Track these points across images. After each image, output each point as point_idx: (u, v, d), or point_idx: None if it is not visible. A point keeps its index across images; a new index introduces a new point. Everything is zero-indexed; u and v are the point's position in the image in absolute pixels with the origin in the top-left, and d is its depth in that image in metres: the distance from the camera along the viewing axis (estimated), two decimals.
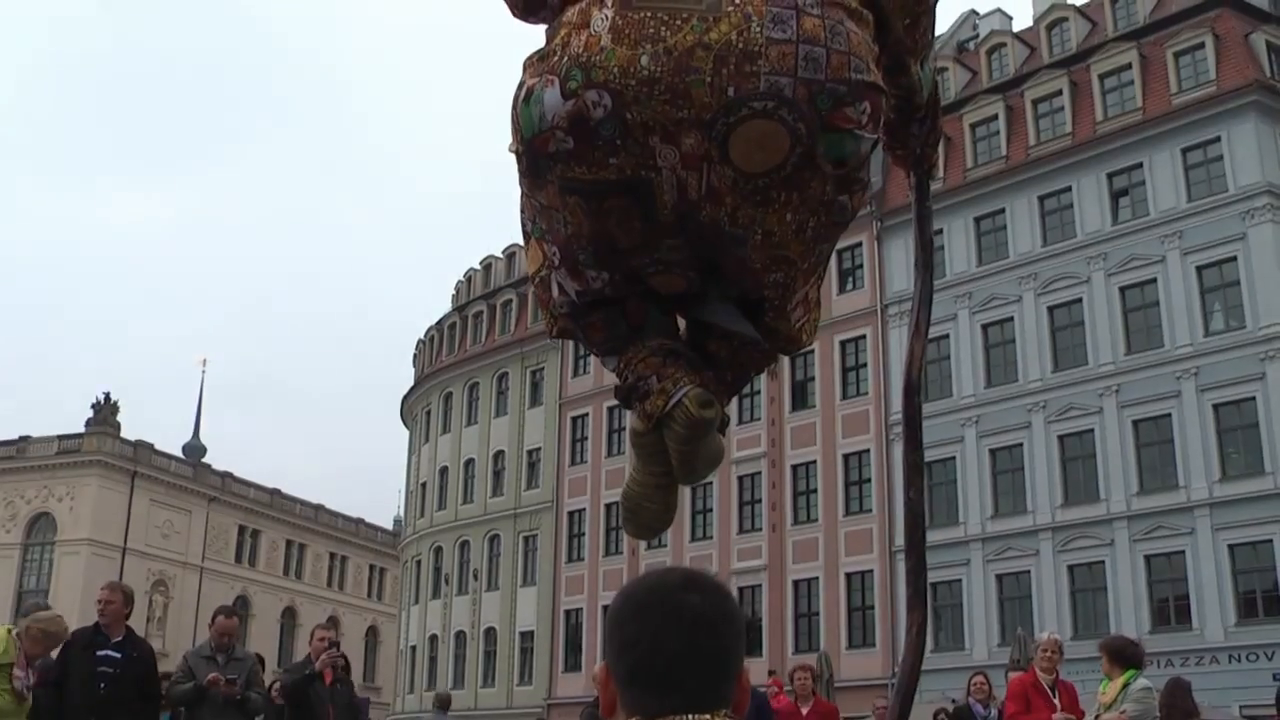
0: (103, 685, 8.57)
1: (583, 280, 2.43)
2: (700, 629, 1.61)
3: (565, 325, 2.60)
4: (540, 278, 2.60)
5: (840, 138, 2.21)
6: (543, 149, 2.23)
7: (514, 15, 2.53)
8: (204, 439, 75.59)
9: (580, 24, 2.21)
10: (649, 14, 2.16)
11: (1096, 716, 8.47)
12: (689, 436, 2.38)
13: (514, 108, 2.27)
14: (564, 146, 2.20)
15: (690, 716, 1.57)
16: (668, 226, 2.26)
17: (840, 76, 2.17)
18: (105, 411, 64.25)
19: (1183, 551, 34.42)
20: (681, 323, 2.57)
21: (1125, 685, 8.63)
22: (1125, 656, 8.95)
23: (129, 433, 65.09)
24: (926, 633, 3.21)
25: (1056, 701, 9.32)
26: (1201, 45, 36.86)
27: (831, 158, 2.23)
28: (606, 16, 2.18)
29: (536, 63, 2.26)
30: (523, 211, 2.49)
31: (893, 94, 2.66)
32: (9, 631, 8.40)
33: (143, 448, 64.49)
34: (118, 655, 8.72)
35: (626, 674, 1.60)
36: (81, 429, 63.91)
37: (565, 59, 2.19)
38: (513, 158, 2.25)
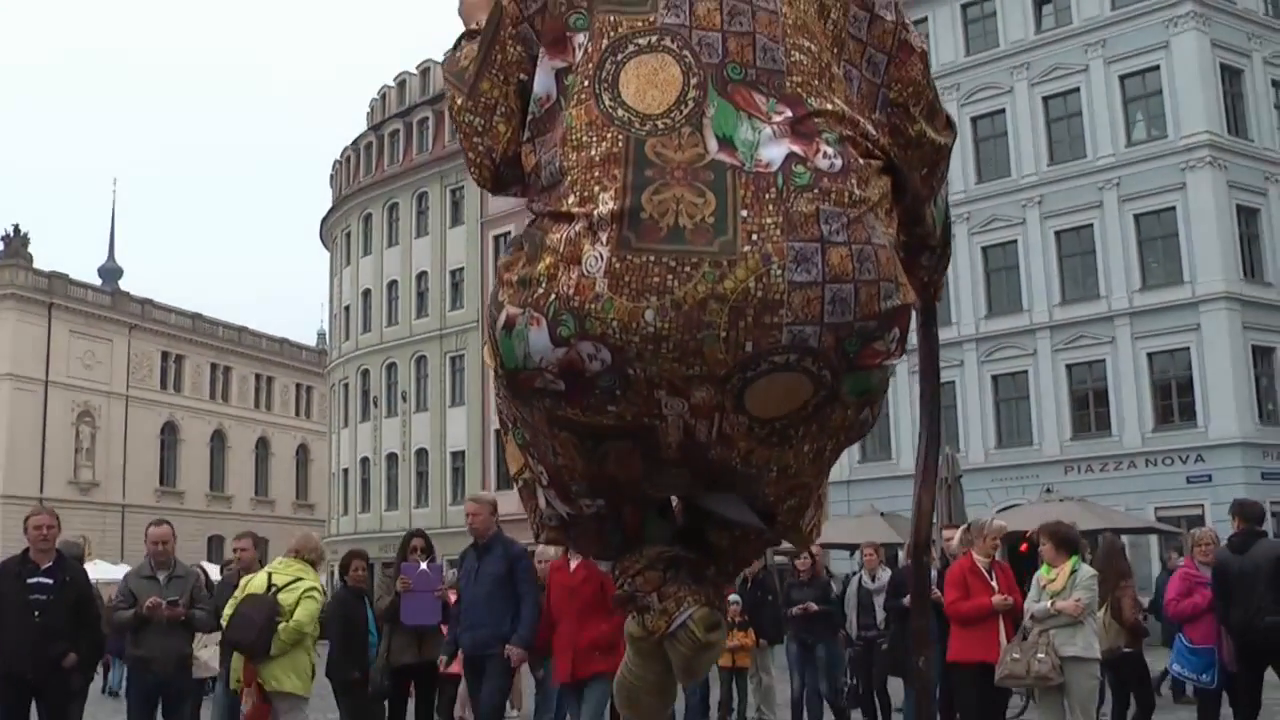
0: (37, 614, 8.40)
1: (575, 506, 2.23)
2: None
3: (554, 536, 2.41)
4: (524, 480, 2.39)
5: (867, 374, 1.99)
6: (528, 384, 2.00)
7: (482, 186, 2.27)
8: (120, 261, 74.19)
9: (570, 258, 1.92)
10: (652, 259, 1.88)
11: (1051, 602, 8.58)
12: (693, 656, 2.24)
13: (491, 330, 2.03)
14: (554, 388, 1.97)
15: None
16: (672, 462, 2.05)
17: (870, 312, 1.94)
18: (15, 244, 62.59)
19: (1103, 360, 35.06)
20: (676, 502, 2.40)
21: (1073, 572, 8.72)
22: (1070, 542, 9.05)
23: (43, 262, 63.66)
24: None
25: (994, 584, 9.42)
26: None
27: (856, 392, 2.01)
28: (601, 256, 1.89)
29: (516, 288, 1.97)
30: (500, 405, 2.27)
31: (907, 241, 2.44)
32: None
33: (57, 279, 63.08)
34: (49, 581, 8.52)
35: None
36: None
37: (554, 298, 1.92)
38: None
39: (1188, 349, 33.74)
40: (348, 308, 58.22)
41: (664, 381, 1.91)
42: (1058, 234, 36.12)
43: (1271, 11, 37.00)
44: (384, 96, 59.04)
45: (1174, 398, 34.22)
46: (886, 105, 2.25)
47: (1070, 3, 36.67)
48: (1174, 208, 34.25)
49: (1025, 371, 36.33)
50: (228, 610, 8.80)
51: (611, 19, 2.04)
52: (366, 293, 56.65)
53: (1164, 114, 34.81)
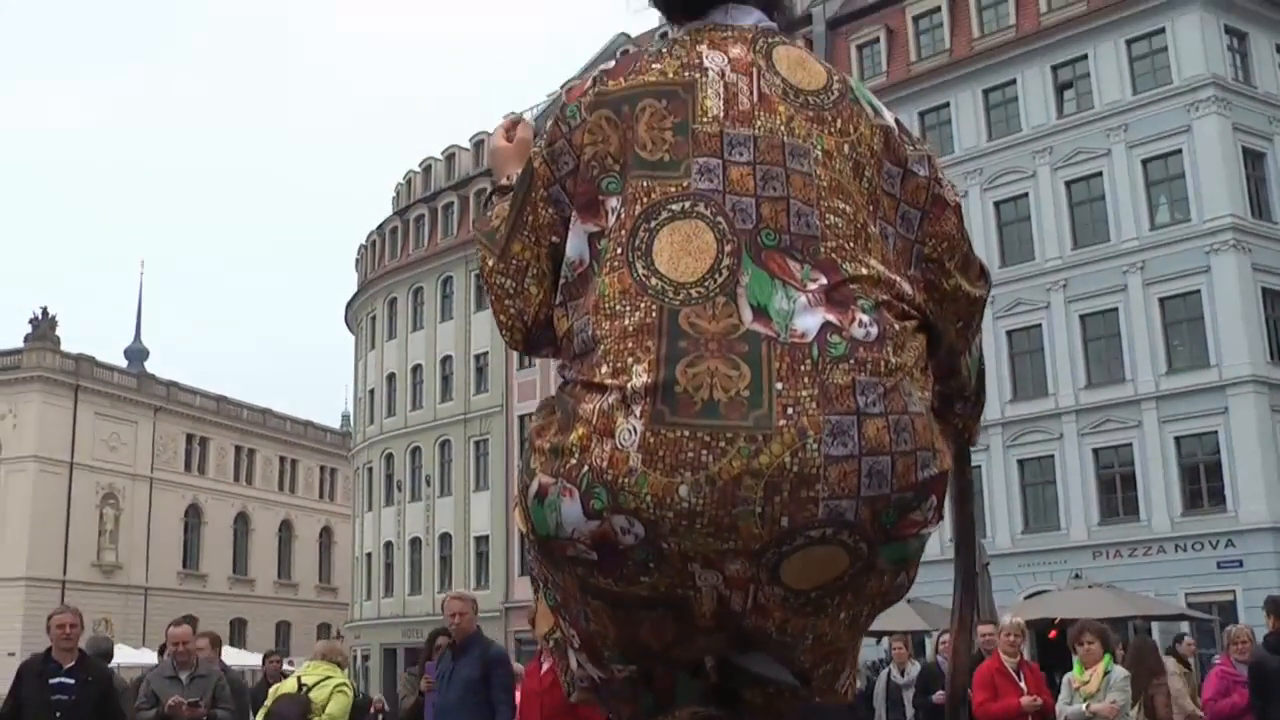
0: (59, 715, 8.35)
1: (608, 671, 2.19)
2: None
3: (585, 697, 2.36)
4: (554, 641, 2.35)
5: (904, 544, 1.95)
6: (560, 552, 1.96)
7: (513, 349, 2.25)
8: (146, 342, 74.80)
9: (603, 429, 1.87)
10: (687, 433, 1.83)
11: (1086, 704, 8.45)
12: None
13: (523, 497, 1.99)
14: (586, 557, 1.93)
15: None
16: (706, 629, 2.00)
17: (908, 483, 1.89)
18: (44, 326, 63.25)
19: (1130, 444, 34.85)
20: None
21: (1106, 673, 8.60)
22: (1108, 642, 8.94)
23: (71, 342, 64.47)
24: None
25: (1023, 685, 9.29)
26: None
27: (893, 561, 1.97)
28: (635, 429, 1.84)
29: (549, 456, 1.93)
30: (531, 564, 2.23)
31: (941, 391, 2.40)
32: None
33: (84, 361, 63.61)
34: (71, 682, 8.49)
35: None
36: (20, 345, 62.89)
37: (587, 470, 1.87)
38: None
39: (1215, 432, 33.52)
40: (372, 391, 58.39)
41: (698, 555, 1.87)
42: (1082, 318, 36.06)
43: None
44: (409, 181, 59.61)
45: (1203, 482, 33.94)
46: (921, 261, 2.21)
47: (1091, 87, 36.90)
48: (1199, 291, 34.19)
49: (1052, 456, 36.12)
50: (260, 715, 8.77)
51: (645, 184, 2.01)
52: (391, 376, 56.85)
53: (1187, 197, 34.85)
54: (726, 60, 2.08)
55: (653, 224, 1.99)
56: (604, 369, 1.92)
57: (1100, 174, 36.28)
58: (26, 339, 63.00)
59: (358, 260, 62.94)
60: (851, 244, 2.02)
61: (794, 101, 2.06)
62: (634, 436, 1.84)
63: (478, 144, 57.36)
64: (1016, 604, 30.60)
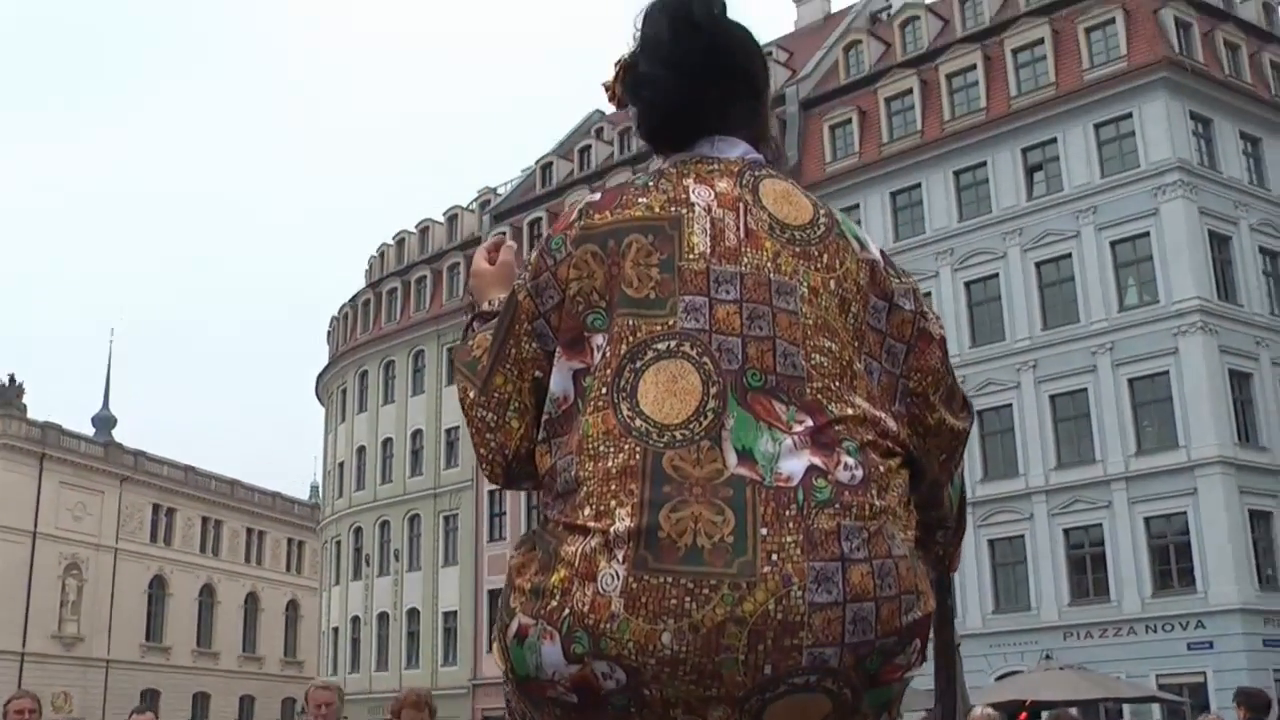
0: None
1: None
2: None
3: None
4: None
5: (888, 689, 1.93)
6: (539, 693, 1.93)
7: (493, 482, 2.22)
8: (114, 410, 74.20)
9: (585, 574, 1.84)
10: (670, 580, 1.81)
11: None
12: None
13: (502, 636, 1.97)
14: (566, 699, 1.90)
15: None
16: None
17: (891, 629, 1.87)
18: (10, 393, 62.74)
19: (1100, 524, 34.91)
20: None
21: None
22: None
23: (37, 412, 63.70)
24: None
25: None
26: (1112, 20, 37.05)
27: (876, 704, 1.95)
28: (617, 575, 1.82)
29: (529, 597, 1.90)
30: (508, 698, 2.20)
31: (923, 521, 2.39)
32: None
33: (50, 429, 63.06)
34: None
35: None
36: None
37: (568, 614, 1.84)
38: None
39: (1185, 513, 33.63)
40: (342, 464, 58.04)
41: (681, 702, 1.85)
42: (1052, 398, 36.26)
43: (1256, 180, 37.68)
44: (383, 254, 59.66)
45: (1173, 563, 33.99)
46: (906, 396, 2.19)
47: (1061, 170, 37.35)
48: (1167, 372, 34.45)
49: (1022, 536, 36.15)
50: None
51: (630, 322, 1.99)
52: (361, 449, 56.55)
53: (1155, 279, 35.21)
54: (713, 195, 2.07)
55: (638, 364, 1.97)
56: (587, 511, 1.89)
57: (1070, 255, 36.64)
58: None
59: (329, 332, 62.81)
60: (837, 383, 2.01)
61: (780, 237, 2.05)
62: (616, 582, 1.82)
63: (450, 217, 57.54)
64: (988, 685, 30.50)
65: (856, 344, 2.09)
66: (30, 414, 63.09)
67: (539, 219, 51.34)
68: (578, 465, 1.94)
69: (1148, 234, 35.40)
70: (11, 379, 63.38)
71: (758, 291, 2.00)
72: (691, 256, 2.01)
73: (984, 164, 38.74)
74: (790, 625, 1.80)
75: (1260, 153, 38.13)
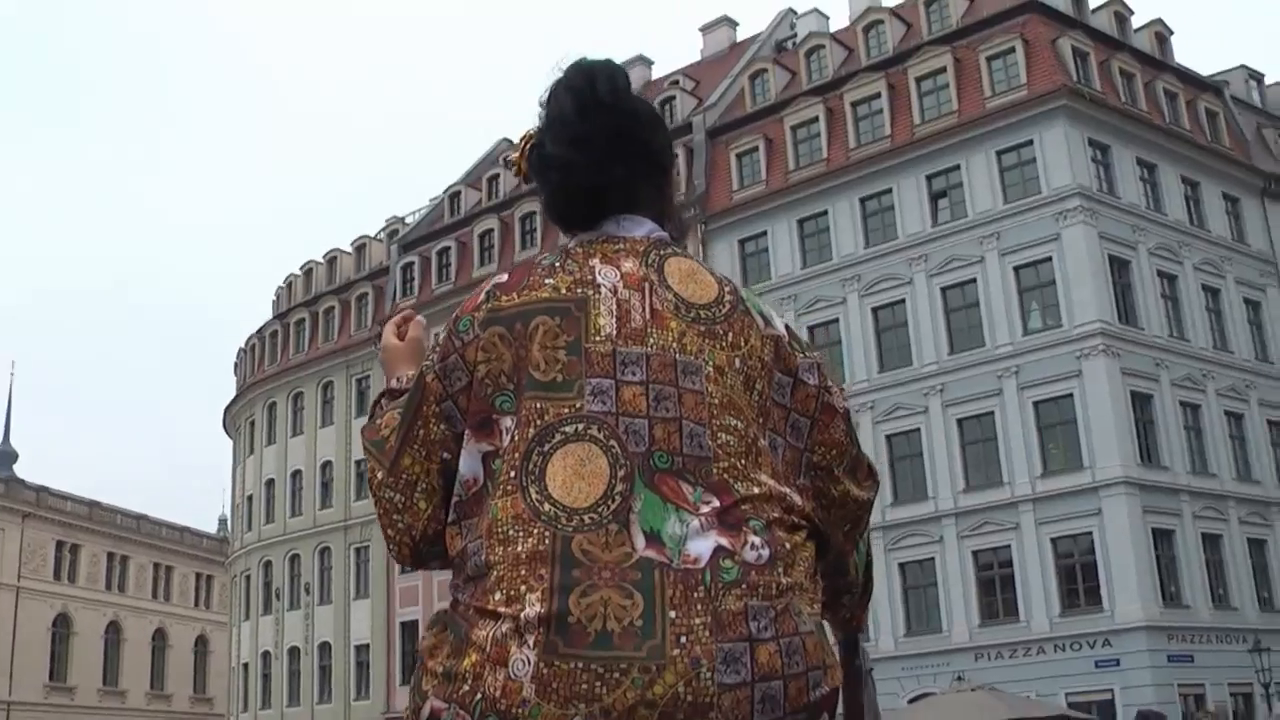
0: None
1: None
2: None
3: None
4: None
5: None
6: None
7: (400, 564, 2.21)
8: (15, 445, 72.61)
9: (496, 658, 1.85)
10: (580, 665, 1.82)
11: None
12: None
13: (415, 718, 1.97)
14: None
15: None
16: None
17: (799, 704, 1.90)
18: None
19: (1009, 545, 35.39)
20: None
21: None
22: None
23: None
24: None
25: None
26: (1012, 50, 37.75)
27: None
28: (528, 660, 1.82)
29: (441, 680, 1.91)
30: None
31: (829, 587, 2.42)
32: None
33: None
34: None
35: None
36: None
37: (479, 698, 1.85)
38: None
39: (1090, 533, 34.21)
40: (250, 497, 57.26)
41: None
42: (960, 421, 36.74)
43: (1153, 205, 38.55)
44: (290, 285, 59.07)
45: (1079, 582, 34.53)
46: (810, 469, 2.22)
47: (964, 196, 37.93)
48: (1071, 394, 35.06)
49: (932, 558, 36.54)
50: None
51: (538, 405, 1.99)
52: (270, 482, 55.85)
53: (1058, 303, 35.84)
54: (619, 275, 2.08)
55: (546, 447, 1.97)
56: (497, 596, 1.89)
57: (974, 280, 37.19)
58: None
59: (236, 364, 62.03)
60: (743, 461, 2.01)
61: (685, 316, 2.06)
62: (528, 667, 1.83)
63: (359, 247, 57.15)
64: (900, 708, 30.78)
65: (761, 420, 2.10)
66: None
67: (447, 248, 51.13)
68: (488, 549, 1.95)
69: (1050, 259, 36.05)
70: None
71: (663, 372, 2.02)
72: (598, 338, 2.02)
73: (889, 190, 39.24)
74: (700, 707, 1.82)
75: (1156, 178, 39.02)
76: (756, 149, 42.60)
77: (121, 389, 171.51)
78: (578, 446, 1.98)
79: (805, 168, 41.06)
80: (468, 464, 2.07)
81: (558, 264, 2.12)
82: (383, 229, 58.20)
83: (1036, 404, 35.59)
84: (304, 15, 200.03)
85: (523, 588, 1.88)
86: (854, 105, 40.54)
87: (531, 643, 1.84)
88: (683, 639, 1.84)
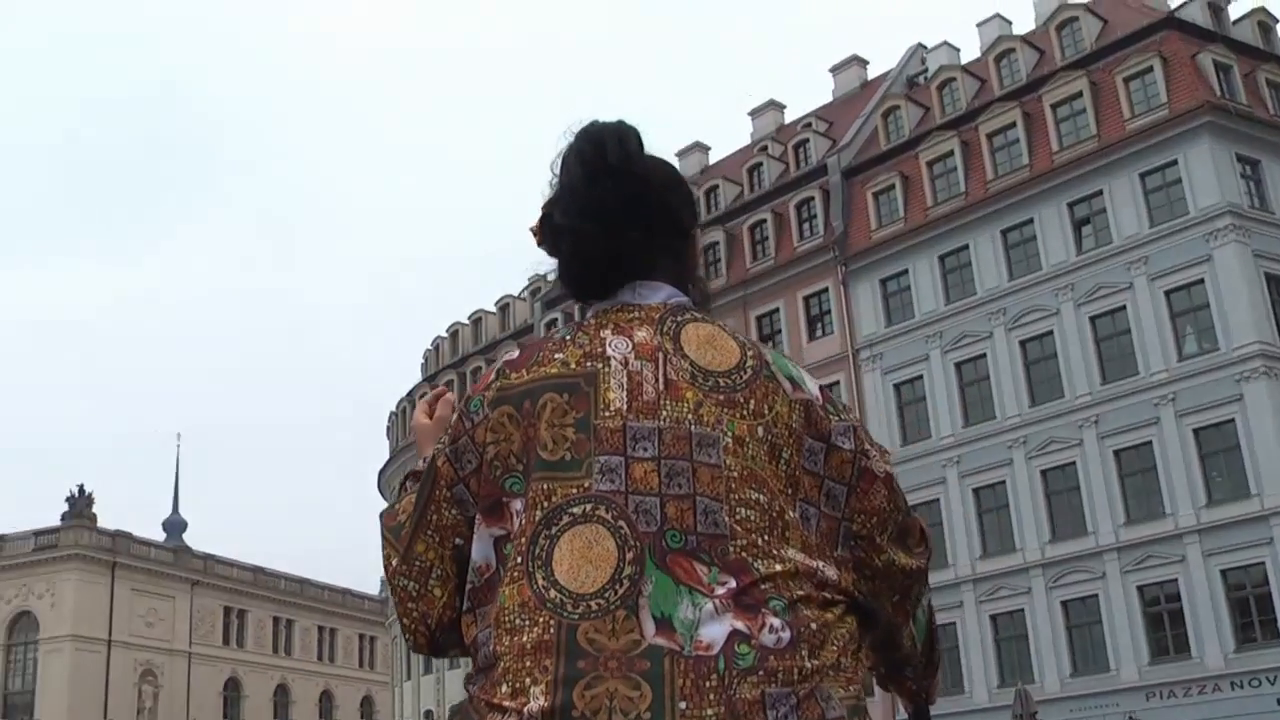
0: None
1: None
2: None
3: None
4: None
5: None
6: None
7: (417, 652, 2.17)
8: (184, 513, 74.94)
9: None
10: None
11: None
12: None
13: None
14: None
15: None
16: None
17: None
18: (80, 504, 63.60)
19: (1175, 579, 34.18)
20: None
21: None
22: None
23: (107, 520, 64.44)
24: None
25: None
26: (1150, 69, 36.87)
27: None
28: None
29: None
30: None
31: (886, 660, 2.28)
32: None
33: (121, 537, 63.80)
34: None
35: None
36: (58, 522, 63.16)
37: None
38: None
39: (1263, 563, 32.87)
40: None
41: None
42: (1116, 453, 35.67)
43: None
44: (437, 347, 60.08)
45: (1254, 614, 33.17)
46: (849, 539, 2.08)
47: (1109, 222, 37.01)
48: (1233, 420, 33.85)
49: (1095, 595, 35.41)
50: None
51: (545, 486, 1.90)
52: None
53: (1213, 326, 34.70)
54: (631, 346, 1.99)
55: (553, 530, 1.88)
56: (504, 689, 1.81)
57: (1124, 308, 36.21)
58: (63, 517, 63.31)
59: (389, 428, 63.17)
60: (766, 537, 1.90)
61: (703, 385, 1.97)
62: None
63: (502, 307, 57.91)
64: None
65: (790, 491, 1.99)
66: (101, 523, 63.84)
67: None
68: (495, 639, 1.87)
69: (1202, 280, 34.95)
70: (81, 489, 64.26)
71: (677, 446, 1.92)
72: (607, 414, 1.93)
73: (1030, 220, 38.50)
74: None
75: None
76: (893, 186, 42.18)
77: (281, 455, 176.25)
78: (585, 528, 1.88)
79: (944, 203, 40.52)
80: (480, 549, 2.00)
81: (569, 338, 2.04)
82: (526, 287, 58.91)
83: (1196, 431, 34.40)
84: (435, 88, 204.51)
85: (527, 680, 1.80)
86: (989, 136, 39.93)
87: None
88: None
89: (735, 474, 1.93)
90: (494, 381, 2.02)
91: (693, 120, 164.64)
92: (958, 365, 39.03)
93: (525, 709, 1.77)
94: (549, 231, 2.14)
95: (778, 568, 1.88)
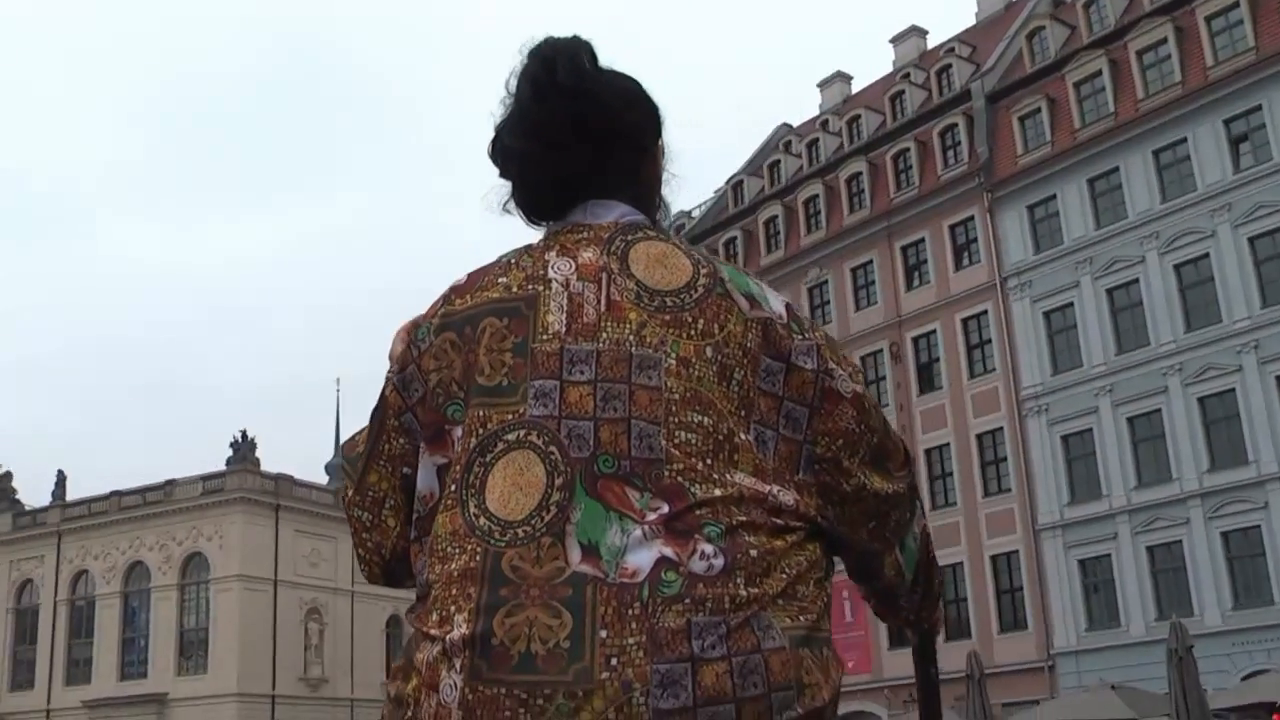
0: None
1: None
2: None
3: None
4: None
5: None
6: None
7: (373, 583, 2.14)
8: None
9: (430, 683, 1.74)
10: (503, 690, 1.68)
11: None
12: None
13: None
14: None
15: None
16: None
17: None
18: (244, 449, 65.63)
19: None
20: None
21: None
22: None
23: (271, 462, 66.58)
24: None
25: None
26: None
27: None
28: (455, 685, 1.71)
29: (393, 704, 1.81)
30: None
31: (869, 595, 2.21)
32: None
33: (283, 480, 65.70)
34: None
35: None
36: (223, 468, 65.37)
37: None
38: None
39: None
40: None
41: None
42: (1278, 379, 34.47)
43: None
44: None
45: None
46: (813, 462, 1.98)
47: (1269, 139, 35.57)
48: None
49: (1258, 526, 34.37)
50: None
51: (482, 413, 1.87)
52: None
53: None
54: (574, 267, 1.94)
55: (487, 457, 1.85)
56: (433, 617, 1.79)
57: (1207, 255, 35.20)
58: (228, 462, 65.44)
59: None
60: (708, 461, 1.83)
61: (648, 305, 1.90)
62: (455, 693, 1.72)
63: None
64: (1233, 686, 29.06)
65: (743, 413, 1.91)
66: (265, 467, 65.90)
67: (734, 238, 51.38)
68: (428, 568, 1.85)
69: None
70: (244, 435, 66.29)
71: (615, 369, 1.87)
72: (545, 337, 1.89)
73: (1184, 140, 37.17)
74: None
75: None
76: (1039, 110, 41.05)
77: None
78: (518, 454, 1.84)
79: (1092, 125, 39.32)
80: (424, 478, 1.97)
81: (513, 261, 2.00)
82: (671, 224, 58.95)
83: None
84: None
85: (452, 608, 1.77)
86: (1139, 54, 38.55)
87: (458, 666, 1.73)
88: (613, 661, 1.68)
89: (677, 396, 1.86)
90: (440, 307, 2.00)
91: (836, 48, 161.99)
92: (1109, 291, 38.00)
93: (448, 637, 1.75)
94: (499, 154, 2.10)
95: (717, 492, 1.80)
